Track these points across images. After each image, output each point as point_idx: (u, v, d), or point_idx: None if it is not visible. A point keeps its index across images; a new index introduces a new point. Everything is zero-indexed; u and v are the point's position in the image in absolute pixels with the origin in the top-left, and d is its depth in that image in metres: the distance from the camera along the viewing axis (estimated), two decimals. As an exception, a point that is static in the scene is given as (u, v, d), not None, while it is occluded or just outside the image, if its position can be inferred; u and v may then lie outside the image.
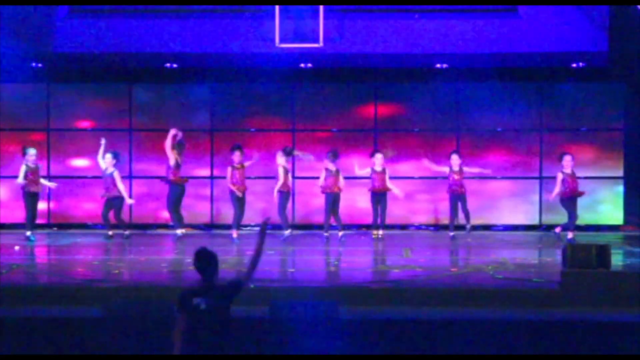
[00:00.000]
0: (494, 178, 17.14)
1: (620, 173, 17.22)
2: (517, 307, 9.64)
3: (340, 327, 8.11)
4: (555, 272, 10.54)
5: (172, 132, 15.13)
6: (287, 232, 15.06)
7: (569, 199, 14.97)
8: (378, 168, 15.47)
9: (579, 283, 9.85)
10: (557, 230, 15.09)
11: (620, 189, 17.23)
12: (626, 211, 17.21)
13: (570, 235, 14.81)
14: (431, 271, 11.72)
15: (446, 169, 15.65)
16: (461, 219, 15.75)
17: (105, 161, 15.15)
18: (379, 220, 15.55)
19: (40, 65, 17.01)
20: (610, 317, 9.18)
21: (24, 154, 15.16)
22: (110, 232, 15.13)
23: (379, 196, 15.52)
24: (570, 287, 9.86)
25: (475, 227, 16.35)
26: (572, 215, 14.94)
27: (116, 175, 15.03)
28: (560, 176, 14.97)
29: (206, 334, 6.74)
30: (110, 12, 16.51)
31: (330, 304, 8.32)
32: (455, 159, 15.59)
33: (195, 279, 6.93)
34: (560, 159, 15.22)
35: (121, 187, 15.05)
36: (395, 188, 15.55)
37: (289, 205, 15.88)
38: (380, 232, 15.54)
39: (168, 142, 15.05)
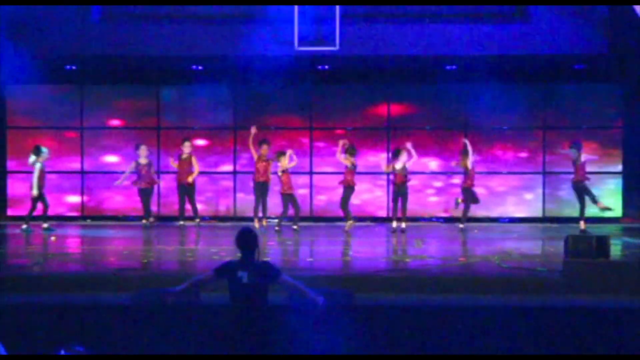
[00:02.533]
0: (500, 173, 17.50)
1: (619, 169, 17.54)
2: (522, 295, 9.60)
3: (356, 314, 8.33)
4: (557, 262, 10.63)
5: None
6: (294, 227, 15.58)
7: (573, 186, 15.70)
8: (399, 166, 15.64)
9: (580, 272, 9.89)
10: (582, 227, 15.26)
11: (619, 183, 17.50)
12: (625, 204, 17.46)
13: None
14: (441, 261, 11.86)
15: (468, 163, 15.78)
16: (471, 211, 16.14)
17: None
18: (398, 214, 15.70)
19: (74, 67, 17.30)
20: (609, 305, 8.91)
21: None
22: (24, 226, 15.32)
23: (399, 190, 15.71)
24: (572, 276, 9.92)
25: (482, 220, 16.81)
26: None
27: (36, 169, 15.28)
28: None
29: (246, 307, 6.90)
30: (140, 17, 16.65)
31: (346, 292, 8.12)
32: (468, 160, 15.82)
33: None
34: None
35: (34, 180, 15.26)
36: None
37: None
38: (403, 224, 15.58)
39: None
